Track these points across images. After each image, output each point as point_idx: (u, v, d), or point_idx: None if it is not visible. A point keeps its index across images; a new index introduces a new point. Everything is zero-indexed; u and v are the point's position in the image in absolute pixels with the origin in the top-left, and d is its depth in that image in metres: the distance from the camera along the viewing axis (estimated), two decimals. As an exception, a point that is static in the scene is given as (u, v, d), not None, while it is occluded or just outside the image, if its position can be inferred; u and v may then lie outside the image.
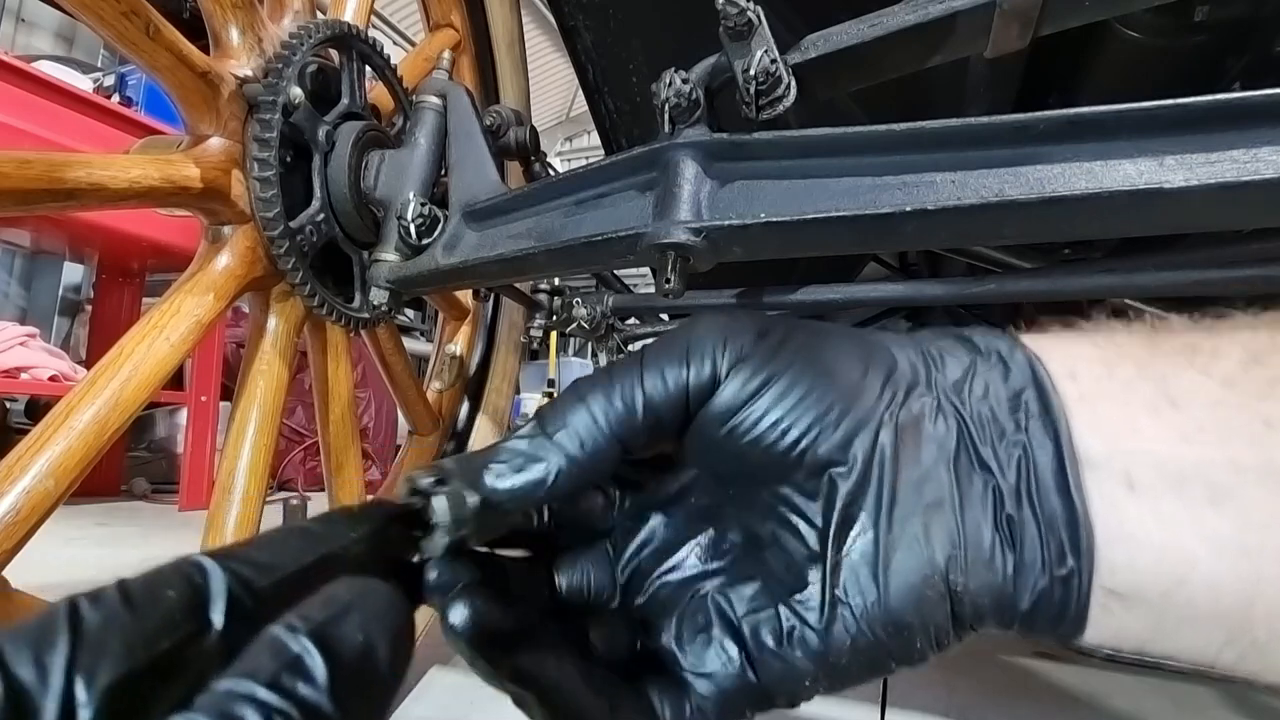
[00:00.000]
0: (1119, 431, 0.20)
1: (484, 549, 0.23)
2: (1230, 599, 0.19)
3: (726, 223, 0.41)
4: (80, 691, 0.12)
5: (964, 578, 0.20)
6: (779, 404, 0.22)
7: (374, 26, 0.71)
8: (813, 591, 0.22)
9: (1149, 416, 0.20)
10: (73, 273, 3.04)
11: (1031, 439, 0.21)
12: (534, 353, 6.22)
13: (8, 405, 2.48)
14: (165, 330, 0.48)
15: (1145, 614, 0.20)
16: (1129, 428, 0.20)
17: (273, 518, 0.60)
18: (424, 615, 0.81)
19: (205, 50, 0.51)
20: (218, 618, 0.14)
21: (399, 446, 2.42)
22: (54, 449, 0.42)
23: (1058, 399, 0.21)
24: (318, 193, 0.57)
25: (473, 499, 0.20)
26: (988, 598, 0.20)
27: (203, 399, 2.26)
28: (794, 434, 0.21)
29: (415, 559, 0.20)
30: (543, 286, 0.97)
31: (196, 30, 0.51)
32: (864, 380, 0.22)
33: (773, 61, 0.41)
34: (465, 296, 1.01)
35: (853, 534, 0.21)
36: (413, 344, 4.61)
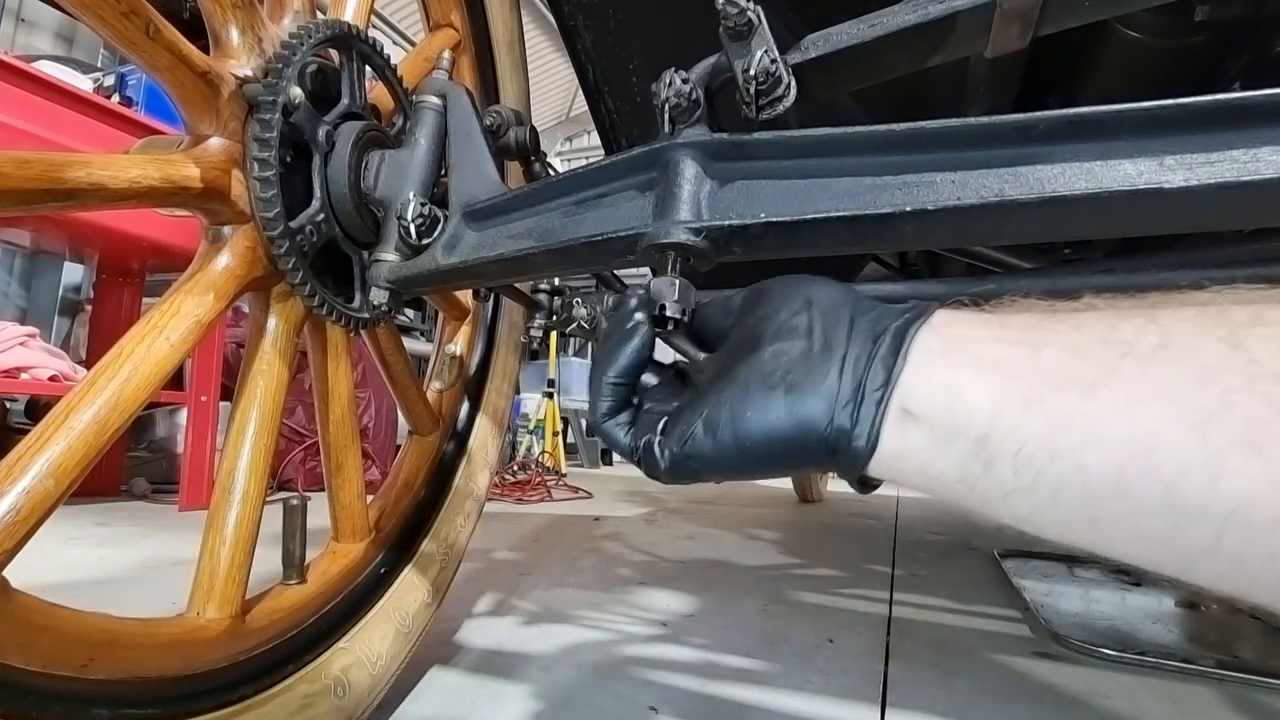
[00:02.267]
0: (957, 335, 0.32)
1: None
2: (980, 417, 0.29)
3: (726, 223, 0.41)
4: None
5: (801, 405, 0.33)
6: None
7: (374, 26, 0.71)
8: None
9: (982, 328, 0.31)
10: (73, 273, 3.05)
11: (889, 335, 0.33)
12: (534, 353, 6.22)
13: (8, 405, 2.48)
14: (165, 330, 0.48)
15: (926, 432, 0.30)
16: (965, 333, 0.32)
17: (273, 518, 0.61)
18: (424, 615, 0.81)
19: (205, 50, 0.51)
20: None
21: (399, 446, 2.42)
22: (54, 449, 0.42)
23: (920, 321, 0.32)
24: (318, 193, 0.57)
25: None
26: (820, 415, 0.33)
27: (203, 399, 2.26)
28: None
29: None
30: (543, 286, 0.97)
31: (196, 30, 0.50)
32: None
33: (773, 61, 0.41)
34: (465, 296, 1.01)
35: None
36: (413, 344, 4.61)
